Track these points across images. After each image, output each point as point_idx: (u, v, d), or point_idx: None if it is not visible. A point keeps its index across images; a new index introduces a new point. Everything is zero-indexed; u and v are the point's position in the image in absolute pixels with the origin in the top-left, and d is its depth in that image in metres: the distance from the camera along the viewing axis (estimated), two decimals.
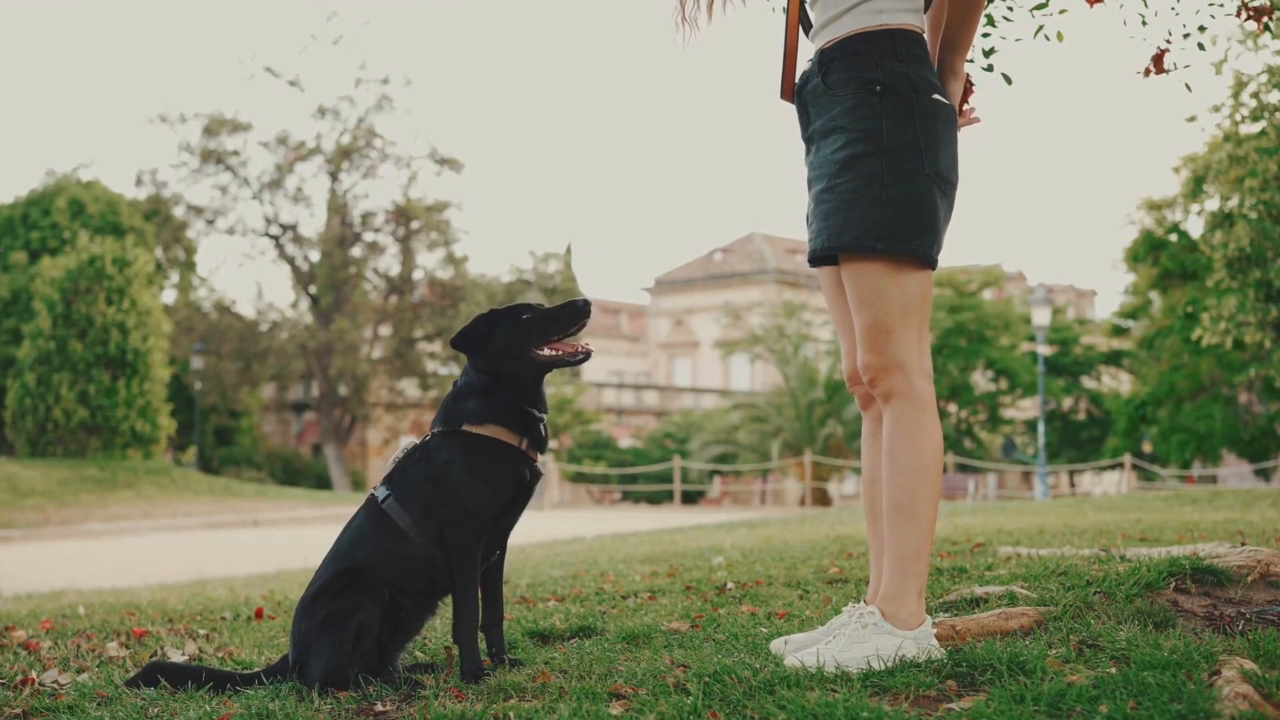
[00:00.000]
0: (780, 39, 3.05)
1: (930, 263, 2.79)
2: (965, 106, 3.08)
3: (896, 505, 2.81)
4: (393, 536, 2.89)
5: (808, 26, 3.03)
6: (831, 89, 2.83)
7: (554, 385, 40.04)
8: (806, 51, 3.04)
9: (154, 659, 3.16)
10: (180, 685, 2.86)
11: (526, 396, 2.96)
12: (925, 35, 2.90)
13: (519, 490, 2.94)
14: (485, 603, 3.05)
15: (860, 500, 37.26)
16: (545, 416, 3.00)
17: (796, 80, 3.03)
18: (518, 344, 2.93)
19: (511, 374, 2.95)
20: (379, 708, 2.61)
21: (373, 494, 2.98)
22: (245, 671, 2.99)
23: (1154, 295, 33.12)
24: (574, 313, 2.98)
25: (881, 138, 2.74)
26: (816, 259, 2.92)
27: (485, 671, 2.84)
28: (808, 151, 2.96)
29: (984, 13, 4.27)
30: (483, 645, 3.02)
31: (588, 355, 2.97)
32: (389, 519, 2.90)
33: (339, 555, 2.93)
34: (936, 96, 2.80)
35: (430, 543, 2.88)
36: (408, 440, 3.07)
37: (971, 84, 3.93)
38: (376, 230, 38.14)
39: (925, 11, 2.95)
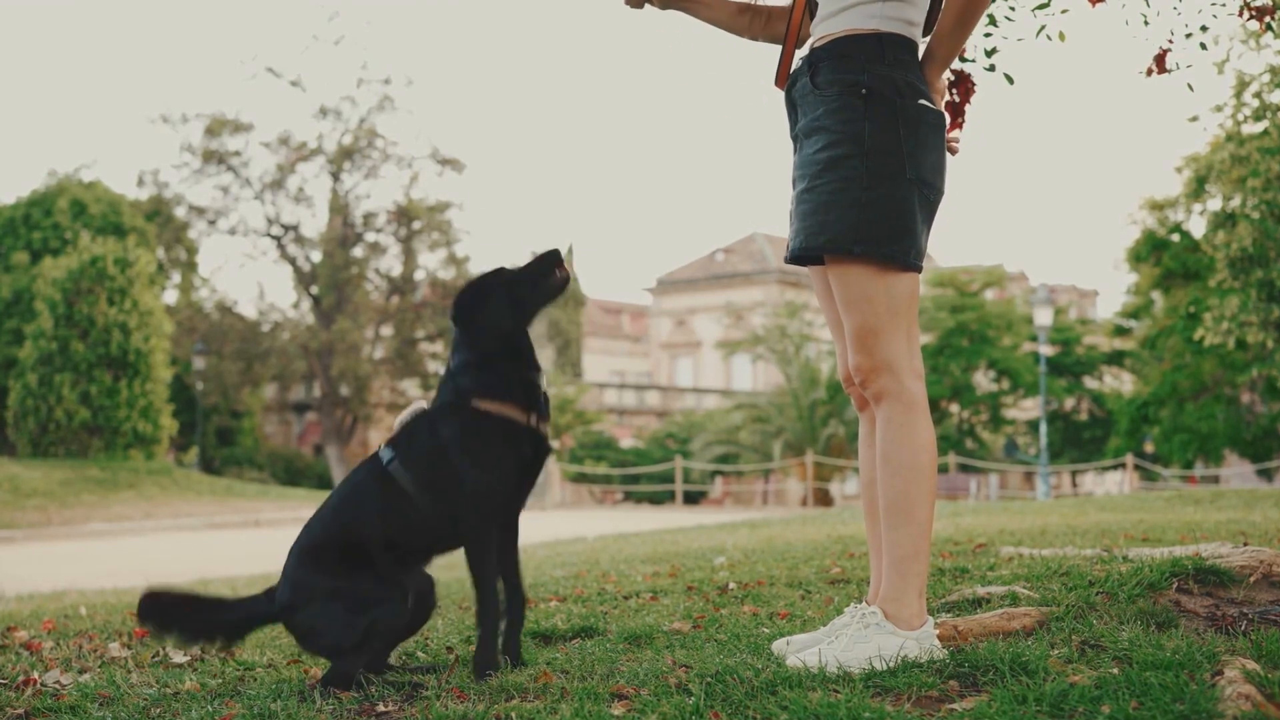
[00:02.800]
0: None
1: (910, 267, 2.78)
2: (950, 136, 3.08)
3: (891, 506, 2.81)
4: (396, 497, 2.89)
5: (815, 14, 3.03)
6: (819, 89, 2.83)
7: (555, 386, 40.08)
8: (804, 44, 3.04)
9: (152, 596, 3.11)
10: (174, 618, 2.90)
11: (526, 359, 2.95)
12: (918, 44, 2.89)
13: (527, 470, 2.93)
14: (505, 597, 2.99)
15: (861, 501, 37.05)
16: (543, 376, 2.98)
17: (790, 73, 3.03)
18: (514, 298, 2.94)
19: (510, 333, 2.94)
20: (381, 708, 2.61)
21: (377, 454, 2.96)
22: (235, 599, 3.01)
23: (1156, 295, 33.08)
24: (550, 259, 2.99)
25: (863, 140, 2.74)
26: (796, 258, 2.92)
27: (496, 669, 2.84)
28: (794, 150, 2.97)
29: (985, 12, 4.27)
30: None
31: (566, 279, 3.00)
32: (394, 482, 2.90)
33: (341, 508, 2.93)
34: (923, 102, 2.79)
35: (432, 510, 2.88)
36: (418, 404, 3.05)
37: (973, 84, 3.93)
38: (378, 230, 38.16)
39: (925, 36, 2.93)
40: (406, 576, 2.92)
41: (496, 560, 2.90)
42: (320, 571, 2.86)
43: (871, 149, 2.73)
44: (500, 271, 3.00)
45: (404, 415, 3.01)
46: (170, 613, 2.93)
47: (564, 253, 36.80)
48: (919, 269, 2.80)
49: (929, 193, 2.80)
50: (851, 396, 3.09)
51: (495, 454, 2.88)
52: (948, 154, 2.98)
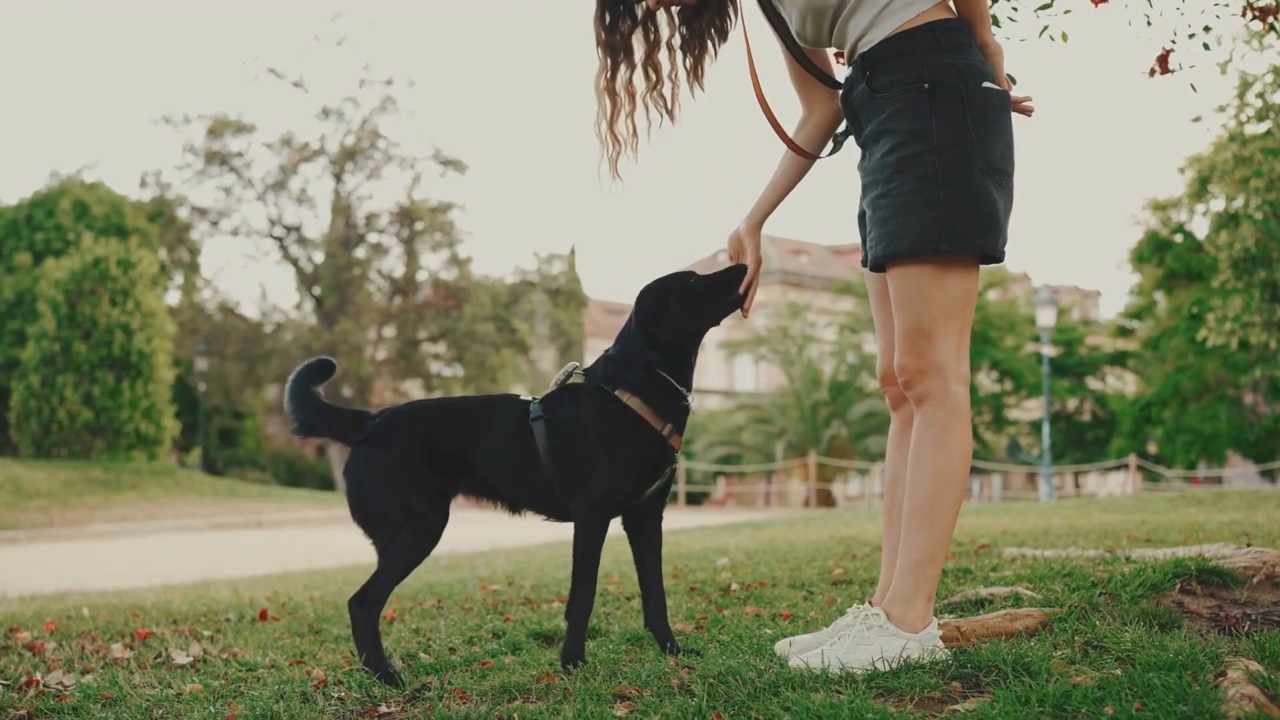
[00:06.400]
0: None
1: (996, 257, 2.74)
2: (1020, 97, 3.01)
3: (917, 509, 2.78)
4: (525, 448, 2.94)
5: (799, 53, 3.03)
6: (879, 92, 2.78)
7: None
8: (789, 91, 3.08)
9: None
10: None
11: (684, 370, 2.98)
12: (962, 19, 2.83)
13: (649, 475, 2.95)
14: (645, 593, 3.09)
15: (863, 501, 37.20)
16: (690, 395, 3.00)
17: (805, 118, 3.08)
18: (693, 310, 2.98)
19: (685, 341, 2.97)
20: (384, 709, 2.61)
21: (526, 401, 3.01)
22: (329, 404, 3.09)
23: (1159, 296, 33.06)
24: (735, 276, 3.02)
25: (931, 136, 2.70)
26: (878, 266, 2.82)
27: (582, 660, 2.87)
28: (862, 157, 2.92)
29: (989, 13, 4.27)
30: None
31: (741, 299, 3.02)
32: (530, 437, 2.94)
33: (475, 425, 3.00)
34: (987, 84, 2.74)
35: (552, 478, 2.92)
36: (573, 364, 3.07)
37: None
38: (380, 231, 38.17)
39: None
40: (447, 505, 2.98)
41: (599, 557, 2.93)
42: (413, 459, 2.92)
43: (940, 144, 2.69)
44: (686, 276, 3.01)
45: (560, 375, 3.03)
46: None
47: (567, 253, 36.57)
48: (1002, 258, 2.76)
49: (1001, 179, 2.75)
50: (888, 395, 3.05)
51: (625, 449, 2.90)
52: (1023, 115, 2.94)
